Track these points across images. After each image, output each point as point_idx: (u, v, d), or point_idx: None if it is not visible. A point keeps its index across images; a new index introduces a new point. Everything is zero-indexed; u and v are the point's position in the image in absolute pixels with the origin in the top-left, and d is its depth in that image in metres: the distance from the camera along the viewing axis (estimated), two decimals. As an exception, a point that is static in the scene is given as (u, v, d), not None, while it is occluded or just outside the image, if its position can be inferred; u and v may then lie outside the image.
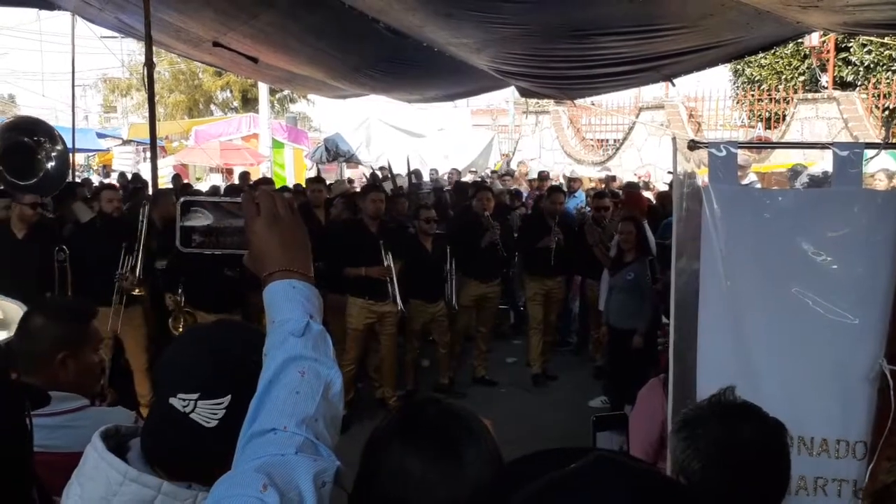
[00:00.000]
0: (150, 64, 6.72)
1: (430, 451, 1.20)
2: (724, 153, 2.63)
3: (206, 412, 1.26)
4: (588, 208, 8.87)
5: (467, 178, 13.83)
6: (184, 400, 1.26)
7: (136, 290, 5.59)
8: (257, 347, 1.22)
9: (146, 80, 6.74)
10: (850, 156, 2.64)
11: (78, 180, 11.29)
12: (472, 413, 1.28)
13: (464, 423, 1.25)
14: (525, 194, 11.18)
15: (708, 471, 1.61)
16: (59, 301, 3.87)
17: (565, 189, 9.57)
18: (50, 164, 4.46)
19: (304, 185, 9.54)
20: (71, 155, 6.71)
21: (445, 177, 13.88)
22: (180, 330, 5.44)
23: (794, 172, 8.48)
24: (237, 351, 1.31)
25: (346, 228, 6.68)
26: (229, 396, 1.26)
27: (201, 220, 1.31)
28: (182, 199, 1.32)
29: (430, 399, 1.35)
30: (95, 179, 18.87)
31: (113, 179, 16.24)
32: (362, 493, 1.21)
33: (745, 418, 1.68)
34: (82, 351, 2.09)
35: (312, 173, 15.67)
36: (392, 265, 6.07)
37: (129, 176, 15.14)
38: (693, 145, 2.77)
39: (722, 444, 1.63)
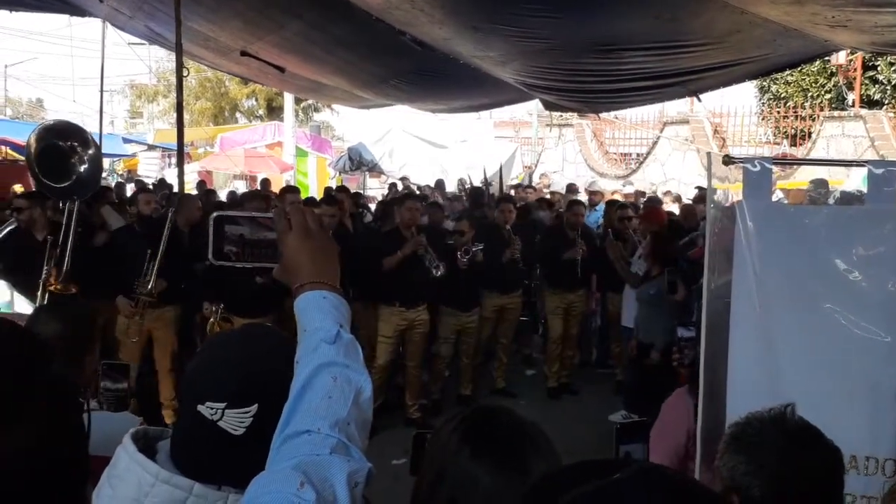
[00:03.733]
0: (180, 71, 6.80)
1: (499, 463, 1.25)
2: (758, 169, 2.62)
3: (234, 420, 1.26)
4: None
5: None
6: (211, 408, 1.27)
7: (148, 297, 5.60)
8: (284, 355, 1.24)
9: (176, 86, 6.82)
10: (885, 174, 2.63)
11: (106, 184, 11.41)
12: (538, 427, 1.33)
13: (532, 436, 1.30)
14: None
15: (768, 500, 1.60)
16: (55, 306, 3.90)
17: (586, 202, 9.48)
18: (83, 168, 4.50)
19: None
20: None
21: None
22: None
23: (816, 194, 8.39)
24: (264, 359, 1.32)
25: (384, 237, 6.71)
26: (256, 405, 1.26)
27: (233, 233, 1.35)
28: (215, 215, 1.36)
29: (501, 409, 1.39)
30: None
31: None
32: (426, 492, 1.25)
33: (812, 446, 1.64)
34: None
35: (335, 182, 15.76)
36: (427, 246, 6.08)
37: (156, 181, 15.30)
38: (728, 160, 2.76)
39: (788, 474, 1.60)
